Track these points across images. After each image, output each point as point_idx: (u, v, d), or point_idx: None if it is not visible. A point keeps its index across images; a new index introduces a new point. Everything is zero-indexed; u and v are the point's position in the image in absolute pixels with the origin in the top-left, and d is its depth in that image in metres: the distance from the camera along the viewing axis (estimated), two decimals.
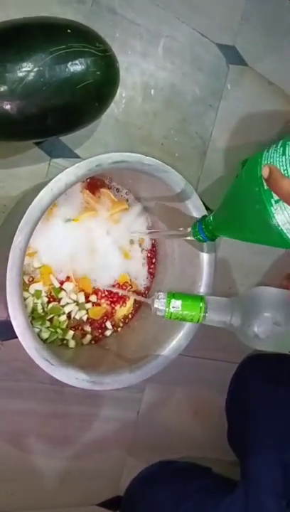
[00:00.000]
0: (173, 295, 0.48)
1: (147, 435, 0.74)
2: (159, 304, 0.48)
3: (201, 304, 0.48)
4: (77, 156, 0.62)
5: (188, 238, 0.53)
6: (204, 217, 0.53)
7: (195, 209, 0.56)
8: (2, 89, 0.45)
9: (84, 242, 0.59)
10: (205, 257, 0.58)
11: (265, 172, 0.41)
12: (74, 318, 0.59)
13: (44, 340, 0.58)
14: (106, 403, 0.69)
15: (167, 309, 0.48)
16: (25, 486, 0.66)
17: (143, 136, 0.66)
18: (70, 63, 0.47)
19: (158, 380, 0.60)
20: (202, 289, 0.58)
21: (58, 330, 0.58)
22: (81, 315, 0.60)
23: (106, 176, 0.61)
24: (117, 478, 0.72)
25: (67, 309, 0.58)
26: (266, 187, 0.42)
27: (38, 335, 0.57)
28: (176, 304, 0.48)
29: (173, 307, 0.48)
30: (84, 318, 0.60)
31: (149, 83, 0.66)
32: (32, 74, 0.45)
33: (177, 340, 0.57)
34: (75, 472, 0.69)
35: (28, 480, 0.66)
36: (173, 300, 0.48)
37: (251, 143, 0.75)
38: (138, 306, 0.65)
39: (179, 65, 0.68)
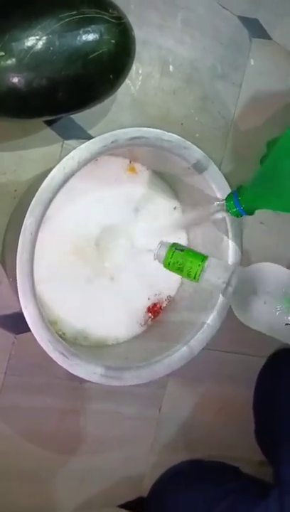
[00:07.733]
0: (176, 244, 0.49)
1: (170, 433, 0.70)
2: (161, 249, 0.48)
3: (202, 261, 0.47)
4: (92, 137, 0.57)
5: (219, 216, 0.50)
6: (239, 188, 0.49)
7: (215, 183, 0.52)
8: (8, 60, 0.42)
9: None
10: (230, 243, 0.54)
11: None
12: None
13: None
14: (127, 399, 0.66)
15: (168, 256, 0.48)
16: (43, 486, 0.63)
17: (162, 115, 0.62)
18: (81, 31, 0.43)
19: (180, 375, 0.57)
20: None
21: None
22: None
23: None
24: (140, 478, 0.69)
25: None
26: None
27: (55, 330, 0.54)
28: (177, 254, 0.48)
29: (174, 255, 0.48)
30: None
31: (167, 58, 0.62)
32: (40, 42, 0.42)
33: (201, 332, 0.53)
34: (95, 472, 0.66)
35: (46, 480, 0.63)
36: (175, 249, 0.48)
37: (277, 122, 0.70)
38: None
39: (199, 38, 0.63)
